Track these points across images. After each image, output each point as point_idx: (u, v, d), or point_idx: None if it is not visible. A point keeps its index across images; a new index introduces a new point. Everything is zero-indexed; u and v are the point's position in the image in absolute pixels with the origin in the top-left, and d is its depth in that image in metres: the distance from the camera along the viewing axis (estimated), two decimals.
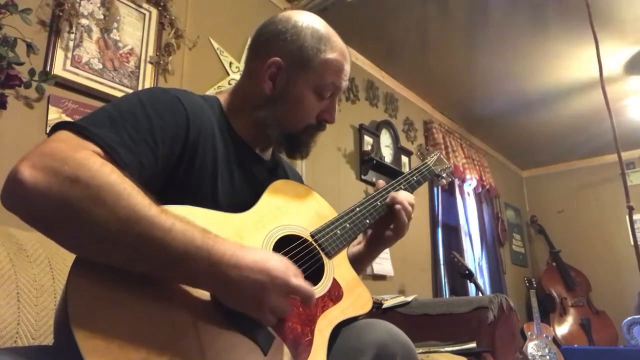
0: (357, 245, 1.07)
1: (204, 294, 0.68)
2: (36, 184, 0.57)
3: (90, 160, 0.61)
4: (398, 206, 1.01)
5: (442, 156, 1.25)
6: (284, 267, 0.68)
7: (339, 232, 0.93)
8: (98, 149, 0.66)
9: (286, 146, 0.94)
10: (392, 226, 1.03)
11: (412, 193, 1.08)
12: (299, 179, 1.12)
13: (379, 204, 1.02)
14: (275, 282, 0.66)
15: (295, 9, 2.13)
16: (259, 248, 0.76)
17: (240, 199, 0.85)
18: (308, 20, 0.93)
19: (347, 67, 0.94)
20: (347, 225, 0.95)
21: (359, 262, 1.04)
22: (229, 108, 0.94)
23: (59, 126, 0.67)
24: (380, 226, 1.04)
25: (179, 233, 0.62)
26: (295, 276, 0.68)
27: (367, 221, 0.99)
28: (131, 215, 0.59)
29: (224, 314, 0.68)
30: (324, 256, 0.88)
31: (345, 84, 0.94)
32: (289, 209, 0.90)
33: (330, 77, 0.91)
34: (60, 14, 1.60)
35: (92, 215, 0.58)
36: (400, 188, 1.07)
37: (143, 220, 0.60)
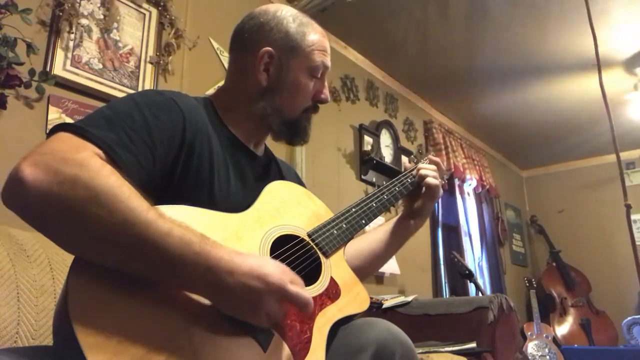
0: (395, 223, 1.12)
1: None
2: (36, 183, 0.58)
3: (90, 162, 0.62)
4: (429, 173, 1.09)
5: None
6: (279, 273, 0.67)
7: (335, 232, 0.93)
8: (98, 150, 0.66)
9: (287, 134, 0.97)
10: (422, 195, 1.10)
11: (405, 194, 1.10)
12: (293, 173, 1.13)
13: (374, 205, 1.04)
14: (270, 288, 0.66)
15: (295, 9, 2.13)
16: (255, 254, 0.76)
17: (236, 198, 0.86)
18: (285, 9, 0.98)
19: (329, 46, 0.99)
20: (344, 226, 0.96)
21: (402, 236, 1.11)
22: (221, 107, 0.95)
23: (58, 128, 0.67)
24: (412, 203, 1.11)
25: (176, 238, 0.62)
26: (292, 283, 0.68)
27: (363, 222, 1.00)
28: (128, 218, 0.60)
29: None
30: (321, 255, 0.88)
31: (329, 62, 0.98)
32: (286, 209, 0.90)
33: (319, 57, 0.95)
34: (60, 14, 1.60)
35: (89, 216, 0.59)
36: (395, 190, 1.09)
37: (140, 223, 0.60)
